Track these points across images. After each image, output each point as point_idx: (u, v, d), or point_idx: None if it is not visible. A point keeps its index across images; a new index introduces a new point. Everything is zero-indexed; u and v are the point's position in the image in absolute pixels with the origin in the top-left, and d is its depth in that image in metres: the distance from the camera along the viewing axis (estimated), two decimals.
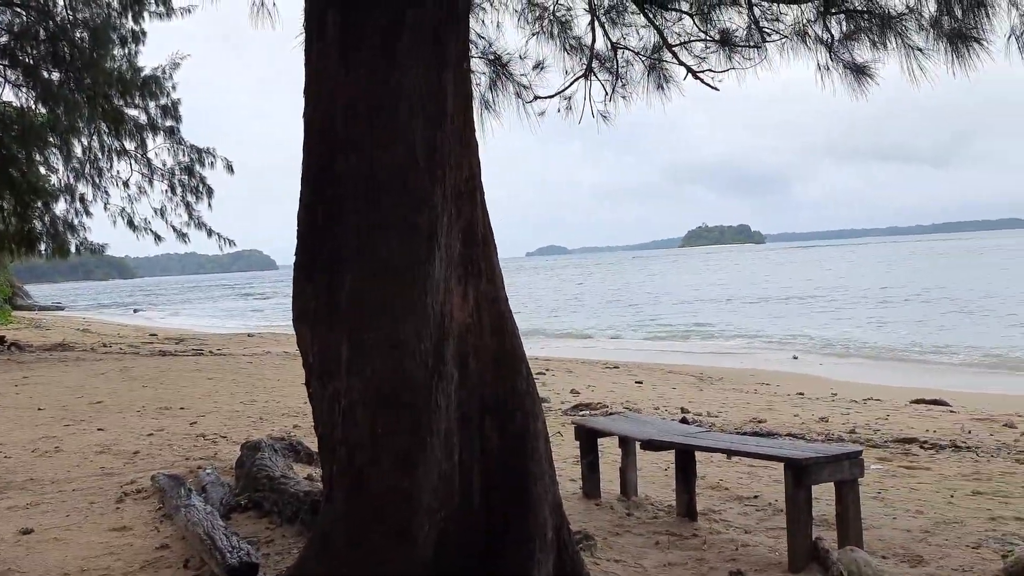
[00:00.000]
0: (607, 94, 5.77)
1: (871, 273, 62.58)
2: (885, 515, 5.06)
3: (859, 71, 4.67)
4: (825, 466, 4.17)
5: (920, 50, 4.36)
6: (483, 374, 3.48)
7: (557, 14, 5.58)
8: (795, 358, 20.79)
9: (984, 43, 4.10)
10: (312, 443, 5.56)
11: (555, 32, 5.63)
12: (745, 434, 7.83)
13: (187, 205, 19.55)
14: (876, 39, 4.56)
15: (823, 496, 4.64)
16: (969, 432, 8.35)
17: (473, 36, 5.44)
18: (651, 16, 5.23)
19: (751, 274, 74.96)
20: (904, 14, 4.36)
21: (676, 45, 5.20)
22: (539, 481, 3.49)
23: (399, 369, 3.19)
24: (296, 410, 9.36)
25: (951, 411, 10.73)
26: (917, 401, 11.83)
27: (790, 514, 4.18)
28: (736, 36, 4.97)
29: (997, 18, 4.01)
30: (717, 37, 5.03)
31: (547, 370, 15.20)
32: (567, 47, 5.66)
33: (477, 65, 5.64)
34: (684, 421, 8.68)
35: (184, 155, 19.23)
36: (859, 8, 4.49)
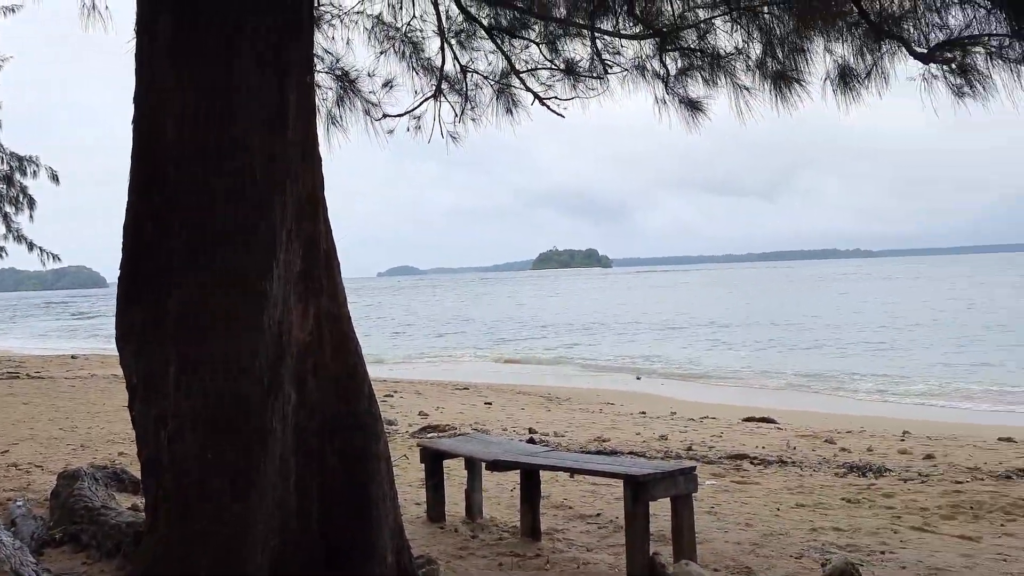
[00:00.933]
0: (456, 115, 5.82)
1: (709, 297, 66.14)
2: (718, 529, 5.29)
3: (693, 106, 4.95)
4: (661, 482, 4.31)
5: (747, 89, 4.67)
6: (323, 394, 3.38)
7: (408, 35, 5.59)
8: (639, 379, 21.59)
9: (803, 84, 4.46)
10: (139, 471, 5.21)
11: (406, 52, 5.63)
12: (589, 453, 8.01)
13: (5, 217, 18.04)
14: (708, 76, 4.84)
15: (661, 512, 4.80)
16: (794, 448, 8.90)
17: (320, 51, 5.36)
18: (499, 42, 5.34)
19: (600, 297, 77.44)
20: (732, 54, 4.66)
21: (524, 72, 5.34)
22: (379, 504, 3.42)
23: (232, 389, 3.05)
24: (123, 436, 8.76)
25: (779, 428, 11.43)
26: (748, 419, 12.53)
27: (629, 530, 4.30)
28: (580, 66, 5.15)
29: (815, 62, 4.37)
30: (562, 66, 5.20)
31: (395, 392, 15.01)
32: (417, 67, 5.67)
33: (324, 80, 5.55)
34: (531, 441, 8.78)
35: (3, 163, 17.76)
36: (692, 47, 4.75)
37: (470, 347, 31.51)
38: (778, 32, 4.49)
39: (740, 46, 4.62)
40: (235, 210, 3.04)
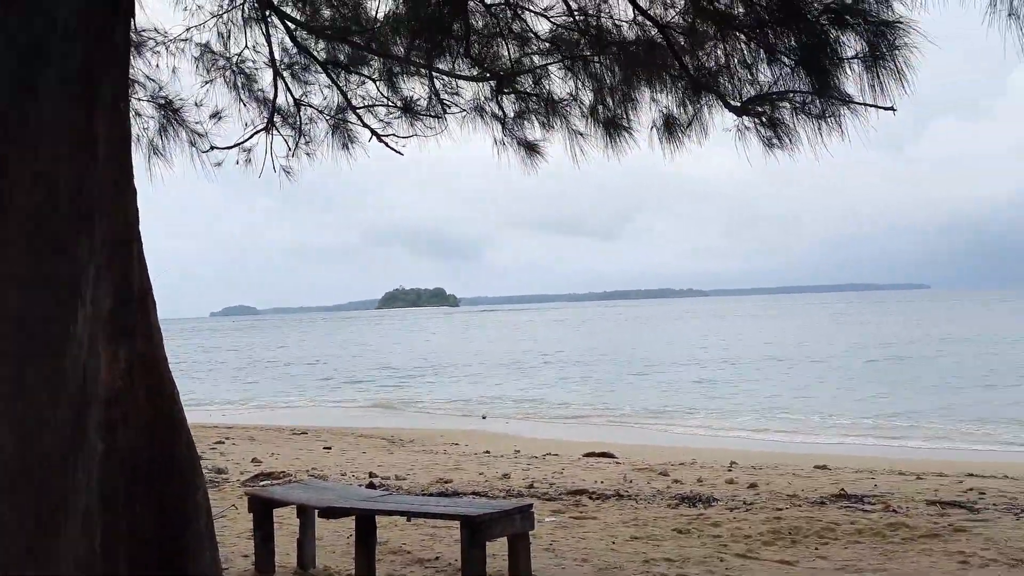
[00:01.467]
0: (290, 149, 5.67)
1: (552, 336, 67.67)
2: (555, 565, 5.32)
3: (530, 148, 5.06)
4: (498, 522, 4.29)
5: (581, 134, 4.83)
6: (135, 443, 3.13)
7: (240, 64, 5.40)
8: (484, 418, 21.64)
9: (631, 132, 4.66)
10: None
11: (237, 82, 5.44)
12: (430, 495, 7.90)
13: None
14: (544, 120, 4.98)
15: (500, 552, 4.77)
16: (631, 481, 9.14)
17: (141, 77, 5.08)
18: (334, 77, 5.26)
19: (446, 336, 77.48)
20: (566, 100, 4.81)
21: (360, 107, 5.28)
22: (198, 559, 3.19)
23: (28, 442, 2.76)
24: None
25: (617, 462, 11.74)
26: (589, 454, 12.81)
27: (466, 571, 4.24)
28: (418, 105, 5.16)
29: (642, 111, 4.59)
30: (400, 104, 5.19)
31: (227, 438, 14.29)
32: (248, 99, 5.49)
33: (145, 108, 5.25)
34: (371, 486, 8.55)
35: None
36: (528, 91, 4.88)
37: (309, 389, 30.57)
38: (608, 81, 4.68)
39: (574, 92, 4.78)
40: (34, 247, 2.79)
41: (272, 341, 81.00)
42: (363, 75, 5.16)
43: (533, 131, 5.12)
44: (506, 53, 4.63)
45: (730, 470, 10.54)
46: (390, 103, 5.19)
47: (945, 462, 12.76)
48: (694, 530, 6.17)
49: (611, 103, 4.59)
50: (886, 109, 3.73)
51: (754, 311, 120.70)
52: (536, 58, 4.74)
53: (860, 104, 3.75)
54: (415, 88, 5.10)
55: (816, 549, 5.40)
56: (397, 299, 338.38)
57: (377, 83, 5.13)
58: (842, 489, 8.10)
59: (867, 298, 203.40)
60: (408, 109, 5.13)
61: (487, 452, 13.19)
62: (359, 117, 5.29)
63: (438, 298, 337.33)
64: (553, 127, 4.90)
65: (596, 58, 4.43)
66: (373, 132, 5.26)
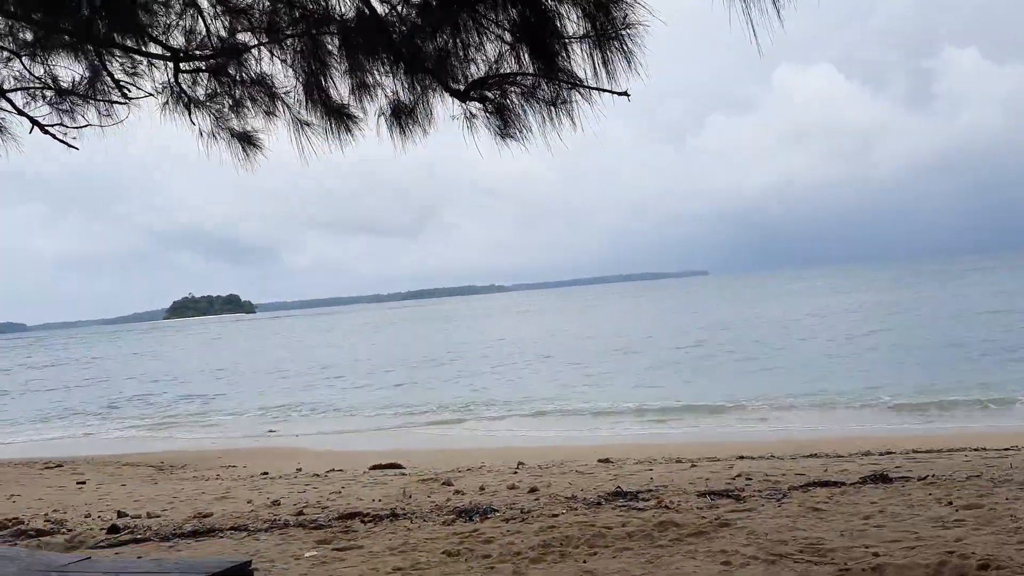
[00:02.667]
0: None
1: (352, 340, 66.03)
2: None
3: (247, 140, 4.37)
4: None
5: (306, 124, 4.22)
6: None
7: None
8: (271, 431, 20.40)
9: (358, 120, 4.11)
10: None
11: None
12: (182, 535, 6.97)
13: None
14: (267, 109, 4.32)
15: None
16: (411, 496, 8.63)
17: None
18: None
19: (237, 346, 73.48)
20: (289, 89, 4.18)
21: (12, 90, 4.30)
22: None
23: None
24: None
25: (402, 474, 11.23)
26: (375, 467, 12.20)
27: None
28: (81, 88, 4.27)
29: (369, 98, 4.04)
30: (52, 84, 4.28)
31: None
32: None
33: None
34: (114, 529, 7.48)
35: None
36: (236, 76, 4.19)
37: (76, 414, 27.60)
38: (336, 66, 4.10)
39: (296, 75, 4.15)
40: None
41: (35, 360, 73.19)
42: (7, 49, 4.20)
43: (256, 121, 4.42)
44: (184, 24, 3.91)
45: (516, 472, 10.34)
46: (44, 84, 4.27)
47: (719, 445, 13.38)
48: (464, 551, 5.75)
49: (335, 87, 4.01)
50: (620, 94, 3.44)
51: (554, 304, 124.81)
52: (242, 36, 4.05)
53: (594, 89, 3.43)
54: (71, 66, 4.19)
55: (584, 562, 5.14)
56: (187, 308, 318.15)
57: (20, 58, 4.19)
58: (618, 487, 8.05)
59: (650, 287, 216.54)
60: (71, 93, 4.25)
61: (264, 474, 12.23)
62: (12, 103, 4.31)
63: (232, 305, 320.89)
64: (275, 115, 4.25)
65: (313, 36, 3.83)
66: (34, 122, 4.31)
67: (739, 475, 8.52)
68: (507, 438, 16.44)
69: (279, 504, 8.68)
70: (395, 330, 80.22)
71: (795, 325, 41.53)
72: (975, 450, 10.43)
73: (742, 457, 11.11)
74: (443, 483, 9.46)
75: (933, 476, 7.73)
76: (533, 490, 8.34)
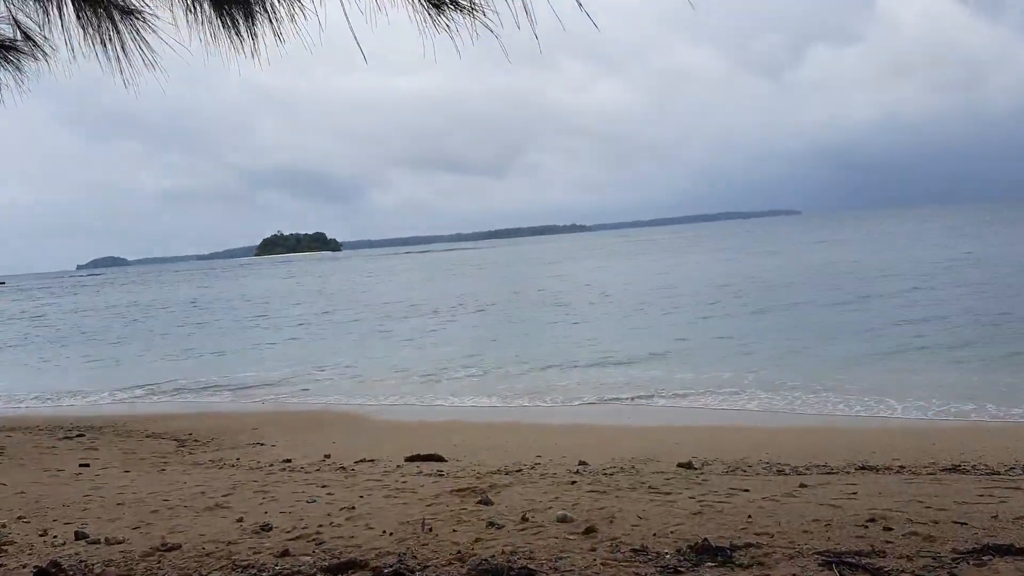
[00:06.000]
0: None
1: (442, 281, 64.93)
2: None
3: None
4: None
5: None
6: None
7: None
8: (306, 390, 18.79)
9: None
10: None
11: None
12: None
13: None
14: None
15: None
16: (431, 530, 6.76)
17: None
18: None
19: (318, 286, 73.44)
20: None
21: None
22: None
23: None
24: None
25: (440, 472, 9.38)
26: (412, 458, 10.39)
27: None
28: None
29: None
30: None
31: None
32: None
33: None
34: (42, 573, 5.84)
35: None
36: None
37: (143, 364, 26.80)
38: None
39: None
40: None
41: (127, 299, 74.88)
42: None
43: None
44: None
45: (574, 483, 8.32)
46: None
47: (825, 436, 11.06)
48: None
49: None
50: None
51: (633, 249, 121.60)
52: None
53: None
54: None
55: None
56: (276, 245, 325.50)
57: None
58: (705, 539, 5.90)
59: (738, 227, 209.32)
60: None
61: (287, 462, 10.57)
62: None
63: (319, 242, 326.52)
64: None
65: None
66: None
67: (872, 519, 6.26)
68: (572, 417, 14.38)
69: (268, 532, 6.87)
70: (481, 274, 78.88)
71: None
72: None
73: (863, 469, 8.81)
74: (479, 501, 7.51)
75: None
76: (590, 531, 6.28)
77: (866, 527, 6.06)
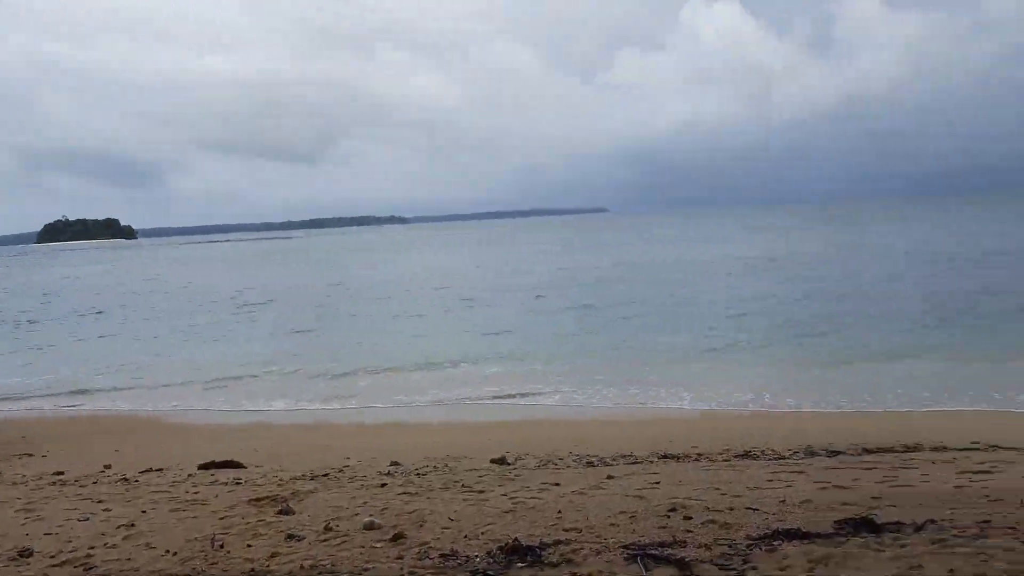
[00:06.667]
0: None
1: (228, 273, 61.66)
2: None
3: None
4: None
5: None
6: None
7: None
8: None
9: None
10: None
11: None
12: None
13: None
14: None
15: None
16: (222, 547, 6.19)
17: None
18: None
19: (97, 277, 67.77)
20: None
21: None
22: None
23: None
24: None
25: (237, 481, 8.71)
26: (206, 466, 9.61)
27: None
28: None
29: None
30: None
31: None
32: None
33: None
34: None
35: None
36: None
37: None
38: None
39: None
40: None
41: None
42: None
43: None
44: None
45: (384, 485, 7.99)
46: None
47: (634, 427, 11.42)
48: None
49: None
50: None
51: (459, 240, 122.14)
52: None
53: None
54: None
55: None
56: (60, 232, 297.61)
57: None
58: (516, 538, 5.77)
59: (549, 224, 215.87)
60: None
61: (58, 475, 9.44)
62: None
63: (111, 230, 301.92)
64: None
65: None
66: None
67: (673, 508, 6.42)
68: (385, 416, 13.99)
69: (28, 558, 6.01)
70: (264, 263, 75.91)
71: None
72: None
73: (665, 457, 9.10)
74: (280, 511, 7.00)
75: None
76: (399, 537, 5.99)
77: (668, 517, 6.19)
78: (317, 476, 8.57)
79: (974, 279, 28.28)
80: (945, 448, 9.00)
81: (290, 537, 6.19)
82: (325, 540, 6.05)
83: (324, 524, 6.44)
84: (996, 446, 9.01)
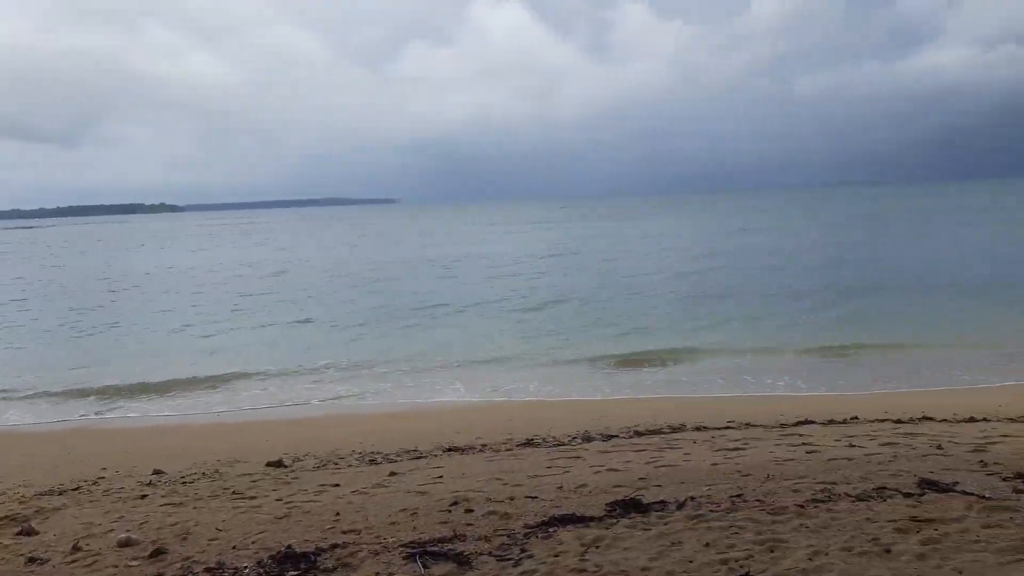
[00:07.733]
0: None
1: None
2: None
3: None
4: None
5: None
6: None
7: None
8: None
9: None
10: None
11: None
12: None
13: None
14: None
15: None
16: None
17: None
18: None
19: None
20: None
21: None
22: None
23: None
24: None
25: None
26: None
27: None
28: None
29: None
30: None
31: None
32: None
33: None
34: None
35: None
36: None
37: None
38: None
39: None
40: None
41: None
42: None
43: None
44: None
45: (144, 496, 7.34)
46: None
47: (421, 421, 11.35)
48: None
49: None
50: None
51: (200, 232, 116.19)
52: None
53: None
54: None
55: None
56: None
57: None
58: (289, 545, 5.50)
59: (338, 214, 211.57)
60: None
61: None
62: None
63: None
64: None
65: None
66: None
67: (455, 502, 6.40)
68: (147, 420, 12.95)
69: None
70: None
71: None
72: None
73: (450, 451, 9.11)
74: (20, 531, 6.24)
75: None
76: (158, 553, 5.51)
77: (450, 511, 6.16)
78: (67, 491, 7.74)
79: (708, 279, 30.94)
80: (705, 428, 9.70)
81: (31, 560, 5.52)
82: (73, 561, 5.45)
83: (72, 543, 5.81)
84: (749, 423, 9.85)
